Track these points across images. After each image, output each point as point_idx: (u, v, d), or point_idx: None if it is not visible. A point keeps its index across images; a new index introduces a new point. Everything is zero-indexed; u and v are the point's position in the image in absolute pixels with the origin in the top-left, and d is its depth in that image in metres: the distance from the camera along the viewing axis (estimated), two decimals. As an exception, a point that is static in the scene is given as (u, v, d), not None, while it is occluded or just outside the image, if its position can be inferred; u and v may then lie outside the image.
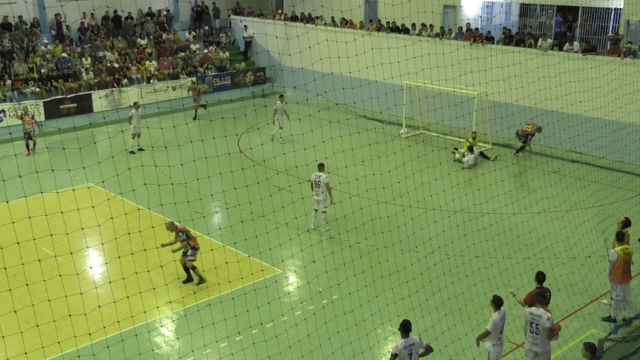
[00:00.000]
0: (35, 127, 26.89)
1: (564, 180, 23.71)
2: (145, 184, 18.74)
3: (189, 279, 16.96)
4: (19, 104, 30.44)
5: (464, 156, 26.00)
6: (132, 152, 26.91)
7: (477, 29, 32.14)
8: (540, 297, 12.68)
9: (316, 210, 19.85)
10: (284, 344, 13.52)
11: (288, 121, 28.32)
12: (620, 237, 14.76)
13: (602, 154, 25.30)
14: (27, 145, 26.87)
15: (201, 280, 16.78)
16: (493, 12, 34.64)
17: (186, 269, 16.89)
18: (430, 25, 32.75)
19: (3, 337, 11.97)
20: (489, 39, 30.15)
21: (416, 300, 15.01)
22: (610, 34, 30.13)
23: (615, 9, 29.76)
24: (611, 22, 30.41)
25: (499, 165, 25.56)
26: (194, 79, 35.53)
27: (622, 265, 14.45)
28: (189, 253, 16.82)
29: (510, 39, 29.90)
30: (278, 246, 17.95)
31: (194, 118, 32.83)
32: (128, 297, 13.39)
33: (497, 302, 12.34)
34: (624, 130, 25.00)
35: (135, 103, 28.36)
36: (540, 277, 13.19)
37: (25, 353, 12.50)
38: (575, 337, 14.23)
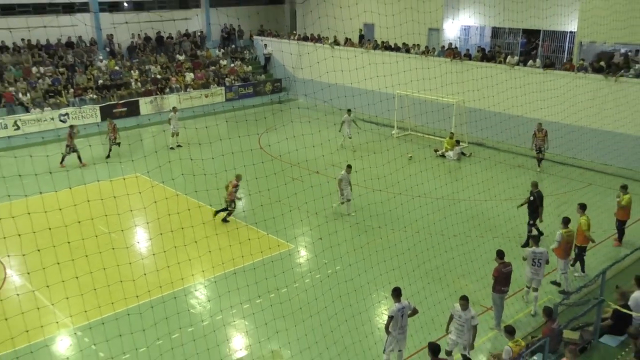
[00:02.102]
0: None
1: (527, 173, 23.61)
2: (182, 174, 18.78)
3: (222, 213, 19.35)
4: (80, 108, 30.58)
5: (444, 154, 25.95)
6: (171, 148, 26.91)
7: (456, 47, 32.01)
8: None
9: (349, 200, 19.72)
10: (295, 306, 13.56)
11: (357, 130, 27.02)
12: (565, 222, 14.80)
13: (558, 151, 25.18)
14: (64, 159, 24.63)
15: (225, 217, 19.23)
16: (469, 34, 34.48)
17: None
18: (417, 45, 32.62)
19: (68, 297, 12.06)
20: (466, 56, 30.02)
21: (404, 271, 15.01)
22: (566, 53, 30.01)
23: (570, 32, 29.59)
24: (567, 43, 30.25)
25: (473, 160, 25.50)
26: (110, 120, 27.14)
27: (564, 245, 14.57)
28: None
29: (483, 56, 29.76)
30: (291, 226, 17.97)
31: (107, 157, 25.88)
32: (168, 267, 13.43)
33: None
34: (576, 132, 24.90)
35: (174, 107, 28.35)
36: (501, 254, 13.21)
37: (85, 311, 12.62)
38: (538, 300, 14.25)
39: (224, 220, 19.40)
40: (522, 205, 17.46)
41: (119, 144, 26.36)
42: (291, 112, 32.85)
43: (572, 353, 9.70)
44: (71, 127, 24.94)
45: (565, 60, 28.90)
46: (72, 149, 24.47)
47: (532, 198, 16.97)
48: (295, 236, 17.88)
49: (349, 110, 27.16)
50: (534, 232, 16.86)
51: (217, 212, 19.41)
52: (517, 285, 14.41)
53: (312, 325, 12.84)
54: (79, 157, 24.64)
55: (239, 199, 19.54)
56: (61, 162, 24.47)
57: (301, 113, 31.17)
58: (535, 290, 14.07)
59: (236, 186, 19.28)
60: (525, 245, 16.73)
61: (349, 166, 19.49)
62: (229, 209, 19.38)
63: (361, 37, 36.59)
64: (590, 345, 11.29)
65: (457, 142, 26.27)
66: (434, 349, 9.94)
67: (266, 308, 13.57)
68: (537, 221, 17.12)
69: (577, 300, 13.11)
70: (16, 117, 28.84)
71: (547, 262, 14.06)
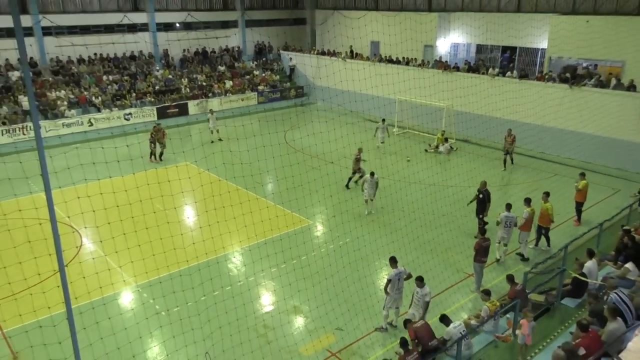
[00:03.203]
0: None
1: (503, 166, 23.39)
2: (224, 163, 18.91)
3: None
4: (141, 109, 30.80)
5: (437, 148, 25.69)
6: (212, 142, 26.74)
7: (447, 61, 31.66)
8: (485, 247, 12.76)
9: (366, 201, 17.98)
10: (313, 270, 13.66)
11: (388, 138, 25.32)
12: (528, 202, 14.85)
13: (530, 147, 24.93)
14: (154, 154, 23.56)
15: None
16: (458, 50, 34.06)
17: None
18: (415, 59, 32.33)
19: (132, 261, 12.27)
20: (455, 68, 29.69)
21: (402, 243, 15.02)
22: (537, 66, 29.54)
23: (541, 48, 29.13)
24: (538, 58, 29.77)
25: (459, 154, 25.29)
26: (158, 124, 24.93)
27: (529, 221, 14.62)
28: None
29: (469, 68, 29.40)
30: (310, 205, 18.04)
31: (161, 158, 23.69)
32: (212, 238, 13.60)
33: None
34: (546, 132, 24.62)
35: (210, 110, 28.21)
36: (483, 231, 13.19)
37: (146, 272, 12.84)
38: (509, 270, 14.19)
39: (347, 186, 19.99)
40: (471, 202, 16.29)
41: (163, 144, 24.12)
42: (311, 114, 32.83)
43: (530, 310, 9.78)
44: (158, 123, 24.37)
45: (537, 72, 28.48)
46: (158, 143, 23.54)
47: (481, 196, 15.76)
48: (313, 214, 17.94)
49: (383, 120, 25.51)
50: (486, 224, 15.93)
51: (349, 181, 20.19)
52: (493, 256, 14.36)
53: (327, 286, 12.92)
54: (153, 153, 23.68)
55: (364, 160, 20.34)
56: (160, 158, 23.54)
57: (319, 114, 31.14)
58: (505, 245, 14.63)
59: (359, 157, 19.87)
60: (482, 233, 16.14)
61: (372, 173, 17.71)
62: (352, 176, 20.05)
63: (352, 52, 36.43)
64: (553, 306, 11.25)
65: (446, 139, 25.95)
66: (402, 342, 9.38)
67: (289, 272, 13.68)
68: (484, 215, 15.95)
69: (543, 270, 13.04)
70: (90, 116, 29.14)
71: (516, 224, 14.42)
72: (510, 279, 11.27)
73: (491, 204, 15.98)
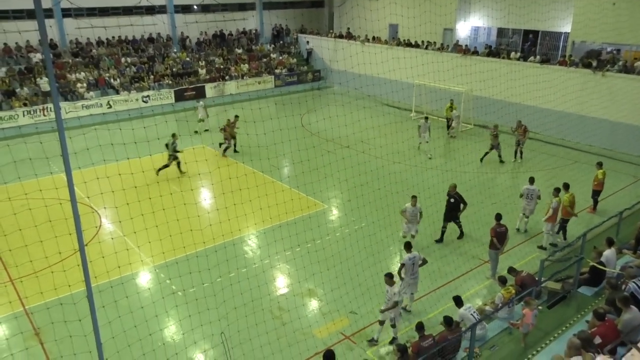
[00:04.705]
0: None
1: (513, 156, 23.04)
2: (241, 146, 18.94)
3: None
4: (159, 91, 30.93)
5: (449, 125, 25.15)
6: (196, 132, 24.58)
7: (466, 45, 31.12)
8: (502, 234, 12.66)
9: (404, 236, 14.42)
10: (328, 254, 13.70)
11: (427, 138, 22.37)
12: (557, 191, 14.53)
13: (550, 133, 24.52)
14: (225, 148, 21.77)
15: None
16: (478, 33, 33.46)
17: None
18: (434, 42, 31.85)
19: (150, 242, 12.43)
20: (475, 52, 29.19)
21: (418, 229, 14.93)
22: (560, 50, 28.90)
23: (564, 32, 28.46)
24: (561, 42, 29.11)
25: (476, 139, 24.94)
26: (234, 119, 22.28)
27: (557, 212, 14.34)
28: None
29: (489, 52, 28.89)
30: (326, 189, 18.04)
31: (235, 150, 22.22)
32: (228, 220, 13.68)
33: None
34: (566, 118, 24.17)
35: (197, 100, 27.56)
36: (498, 217, 13.04)
37: (163, 253, 12.99)
38: (527, 257, 14.09)
39: (481, 160, 21.00)
40: (447, 210, 14.82)
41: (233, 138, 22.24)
42: (327, 97, 32.66)
43: (532, 300, 9.68)
44: (236, 116, 22.32)
45: (559, 57, 27.87)
46: (231, 139, 21.77)
47: (452, 200, 14.54)
48: (328, 198, 17.95)
49: (426, 118, 22.98)
50: (453, 230, 15.04)
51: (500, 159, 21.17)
52: (509, 244, 14.23)
53: (341, 270, 12.96)
54: (226, 148, 21.89)
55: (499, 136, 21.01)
56: (235, 149, 22.10)
57: (336, 98, 30.96)
58: (527, 217, 15.33)
59: (495, 132, 20.74)
60: (440, 241, 14.81)
61: (414, 197, 14.03)
62: (490, 151, 21.00)
63: (349, 33, 36.00)
64: (570, 294, 11.14)
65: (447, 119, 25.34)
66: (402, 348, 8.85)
67: (304, 255, 13.74)
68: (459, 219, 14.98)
69: (560, 257, 12.90)
70: (109, 98, 29.39)
71: (539, 197, 14.99)
72: (510, 270, 11.29)
73: (467, 206, 14.82)
